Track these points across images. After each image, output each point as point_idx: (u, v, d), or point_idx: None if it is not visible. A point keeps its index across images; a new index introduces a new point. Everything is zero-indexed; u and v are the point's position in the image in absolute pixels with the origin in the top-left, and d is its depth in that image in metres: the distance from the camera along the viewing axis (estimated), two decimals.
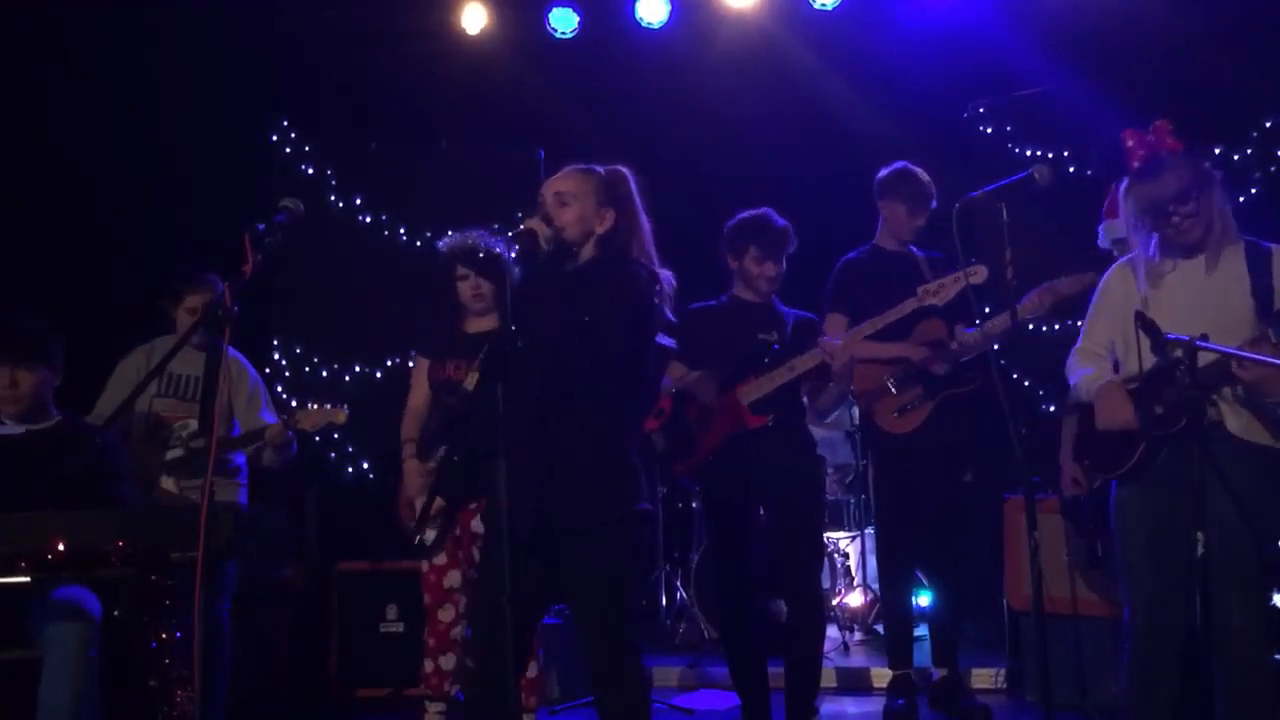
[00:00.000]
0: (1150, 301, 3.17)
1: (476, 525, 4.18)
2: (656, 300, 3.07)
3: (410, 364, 4.68)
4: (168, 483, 4.25)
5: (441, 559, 4.22)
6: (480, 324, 4.29)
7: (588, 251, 3.10)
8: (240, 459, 4.44)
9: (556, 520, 2.96)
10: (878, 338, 4.35)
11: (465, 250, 4.24)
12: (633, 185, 3.18)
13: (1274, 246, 3.19)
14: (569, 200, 3.06)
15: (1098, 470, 3.23)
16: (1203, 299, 3.11)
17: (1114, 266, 3.36)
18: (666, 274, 3.14)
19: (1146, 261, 3.23)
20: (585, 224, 3.07)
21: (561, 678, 4.98)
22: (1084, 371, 3.29)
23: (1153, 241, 3.22)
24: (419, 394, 4.37)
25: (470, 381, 4.07)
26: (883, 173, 4.67)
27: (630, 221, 3.14)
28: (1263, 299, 3.08)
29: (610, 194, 3.12)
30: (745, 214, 4.25)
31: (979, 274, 4.09)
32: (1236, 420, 3.08)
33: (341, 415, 4.22)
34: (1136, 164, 3.21)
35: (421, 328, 4.47)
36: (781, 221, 4.21)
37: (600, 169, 3.16)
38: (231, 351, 4.40)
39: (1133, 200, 3.20)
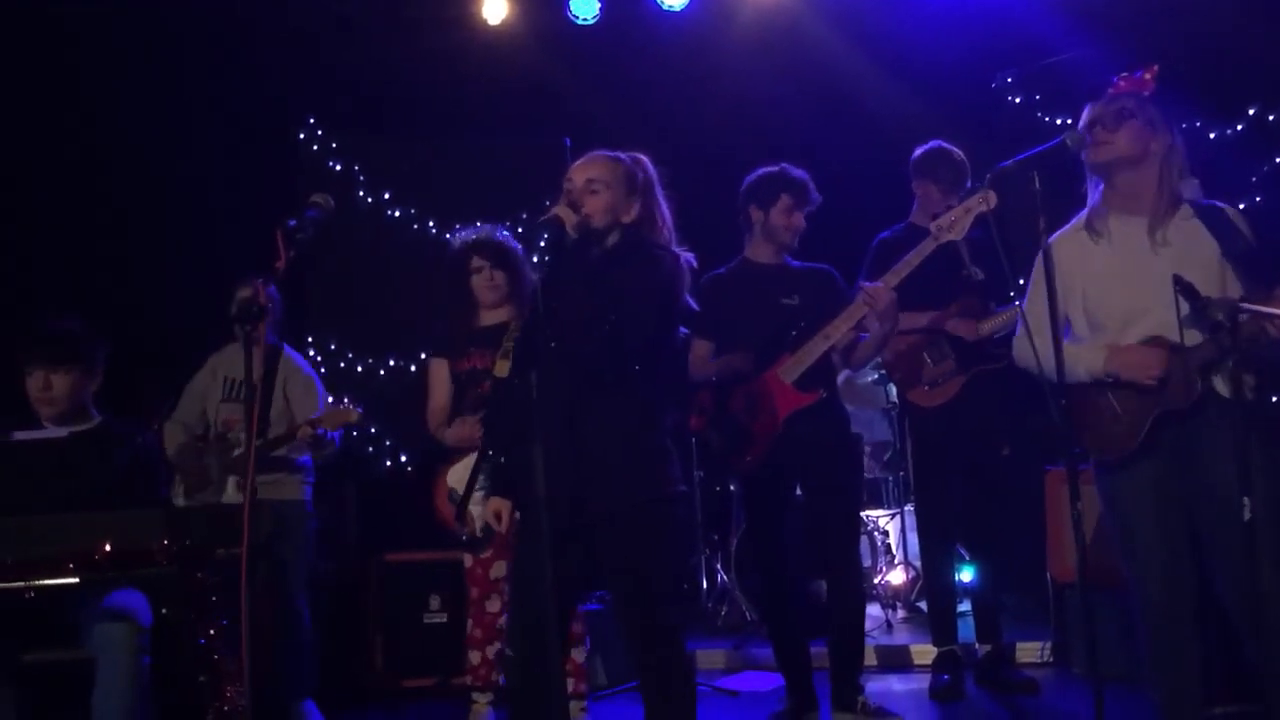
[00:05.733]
0: (1095, 268, 3.09)
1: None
2: (682, 283, 3.05)
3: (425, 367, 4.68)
4: (230, 487, 4.34)
5: (487, 551, 4.25)
6: (494, 316, 4.31)
7: (612, 239, 3.07)
8: (306, 458, 4.51)
9: (590, 507, 2.96)
10: (913, 309, 4.31)
11: (480, 242, 4.28)
12: (653, 173, 3.15)
13: (1222, 205, 3.11)
14: (599, 188, 3.02)
15: (1101, 451, 3.12)
16: (1155, 264, 2.99)
17: (1057, 235, 3.21)
18: (687, 255, 3.11)
19: (1091, 214, 3.14)
20: (614, 212, 3.04)
21: (608, 664, 5.00)
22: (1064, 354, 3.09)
23: (1098, 190, 3.16)
24: (441, 393, 4.38)
25: (500, 369, 4.09)
26: (917, 152, 4.63)
27: (653, 211, 3.11)
28: (1246, 260, 2.99)
29: (636, 183, 3.09)
30: (765, 169, 4.22)
31: (989, 199, 3.86)
32: (1227, 385, 3.01)
33: (354, 415, 4.28)
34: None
35: (432, 330, 4.51)
36: (804, 175, 4.19)
37: (625, 157, 3.12)
38: (287, 351, 4.53)
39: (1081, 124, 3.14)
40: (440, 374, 4.38)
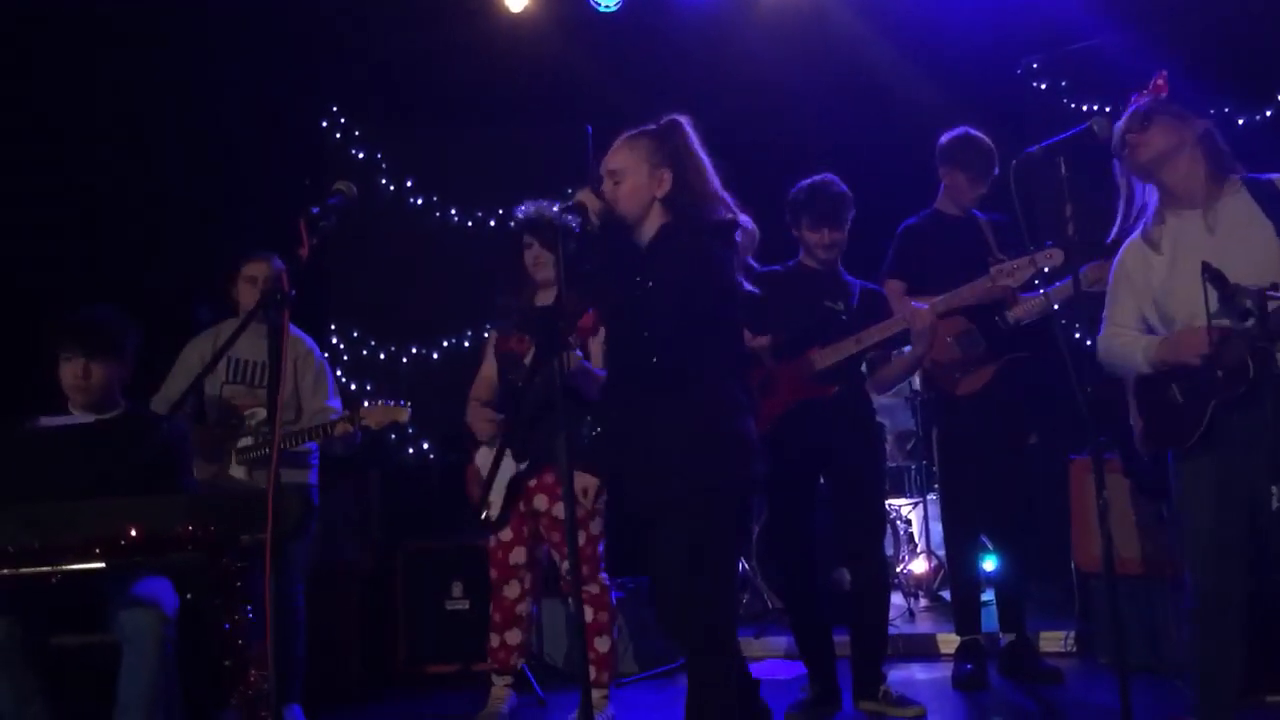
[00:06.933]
0: (1159, 274, 3.09)
1: (539, 503, 4.21)
2: (721, 260, 2.95)
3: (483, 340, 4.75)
4: (238, 470, 4.31)
5: (507, 534, 4.26)
6: (547, 297, 4.29)
7: (654, 218, 3.03)
8: (313, 443, 4.50)
9: (636, 495, 2.96)
10: (939, 293, 4.29)
11: (532, 219, 4.27)
12: (690, 133, 3.07)
13: (1270, 177, 3.09)
14: (620, 177, 3.01)
15: (1165, 443, 3.11)
16: (1217, 252, 2.96)
17: (1125, 244, 3.25)
18: (745, 218, 3.05)
19: (1146, 224, 3.15)
20: (640, 195, 3.01)
21: (637, 651, 5.01)
22: (1128, 345, 3.16)
23: (1154, 197, 3.16)
24: (489, 363, 4.44)
25: (530, 356, 4.11)
26: (943, 139, 4.59)
27: (692, 172, 3.03)
28: None
29: (665, 151, 3.03)
30: (804, 181, 4.19)
31: (1055, 257, 3.92)
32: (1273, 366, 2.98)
33: (404, 413, 4.21)
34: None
35: (495, 302, 4.55)
36: (838, 188, 4.14)
37: (652, 127, 3.08)
38: (298, 333, 4.41)
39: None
40: (492, 345, 4.44)
